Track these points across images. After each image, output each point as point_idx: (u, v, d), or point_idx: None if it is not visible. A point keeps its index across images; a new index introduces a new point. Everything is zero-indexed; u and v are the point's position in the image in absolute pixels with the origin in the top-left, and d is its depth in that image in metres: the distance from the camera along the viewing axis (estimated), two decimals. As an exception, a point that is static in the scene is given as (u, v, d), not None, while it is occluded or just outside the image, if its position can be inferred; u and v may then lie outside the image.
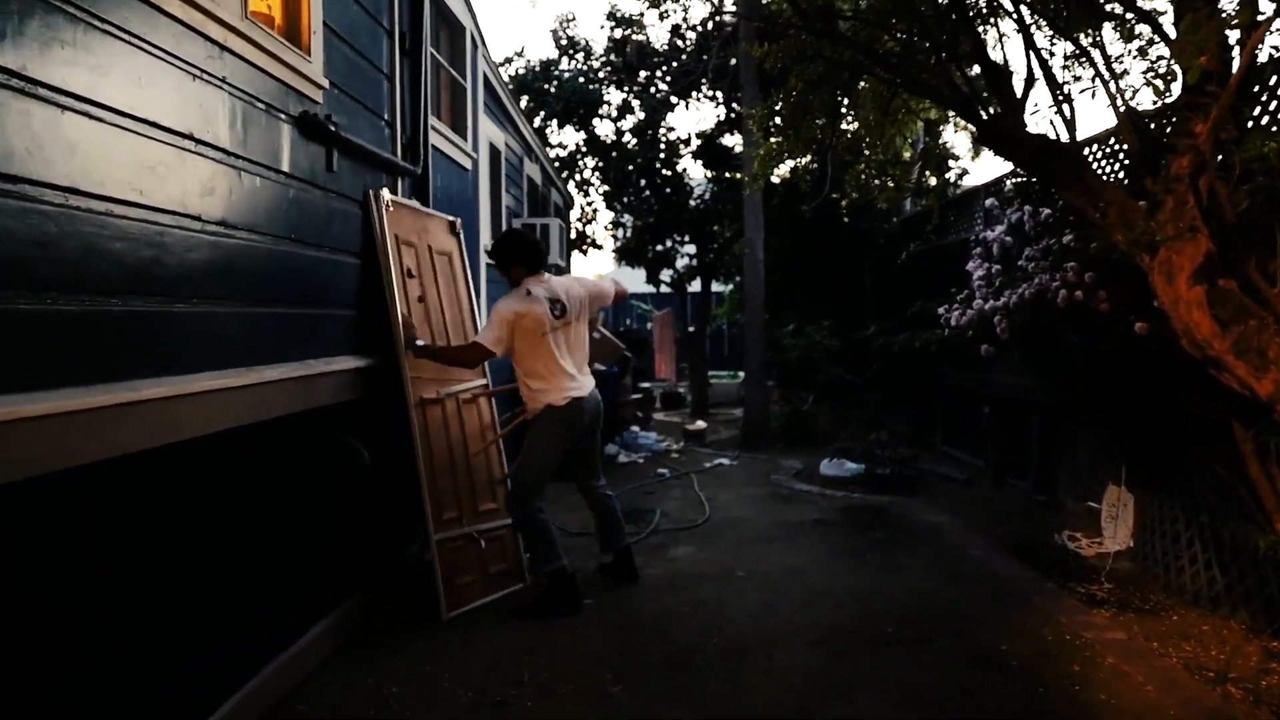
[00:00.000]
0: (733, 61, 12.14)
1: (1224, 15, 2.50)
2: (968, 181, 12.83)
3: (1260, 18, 2.32)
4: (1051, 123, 3.12)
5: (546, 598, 4.15)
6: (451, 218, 4.82)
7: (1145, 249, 2.72)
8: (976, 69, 3.85)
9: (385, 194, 4.08)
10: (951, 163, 13.62)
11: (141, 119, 2.36)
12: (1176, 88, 3.42)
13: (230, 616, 2.86)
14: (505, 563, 4.53)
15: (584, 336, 4.36)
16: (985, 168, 33.34)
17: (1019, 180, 6.47)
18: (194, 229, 2.64)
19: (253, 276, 3.02)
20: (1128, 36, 4.21)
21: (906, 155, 6.38)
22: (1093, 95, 3.80)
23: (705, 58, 12.83)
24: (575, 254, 15.06)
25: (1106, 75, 2.98)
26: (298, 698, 3.17)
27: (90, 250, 2.17)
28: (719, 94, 13.09)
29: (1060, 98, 3.07)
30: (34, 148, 1.97)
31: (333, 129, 3.61)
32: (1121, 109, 2.99)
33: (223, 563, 2.82)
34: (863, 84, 4.17)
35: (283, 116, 3.27)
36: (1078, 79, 3.40)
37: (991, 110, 3.23)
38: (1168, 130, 3.87)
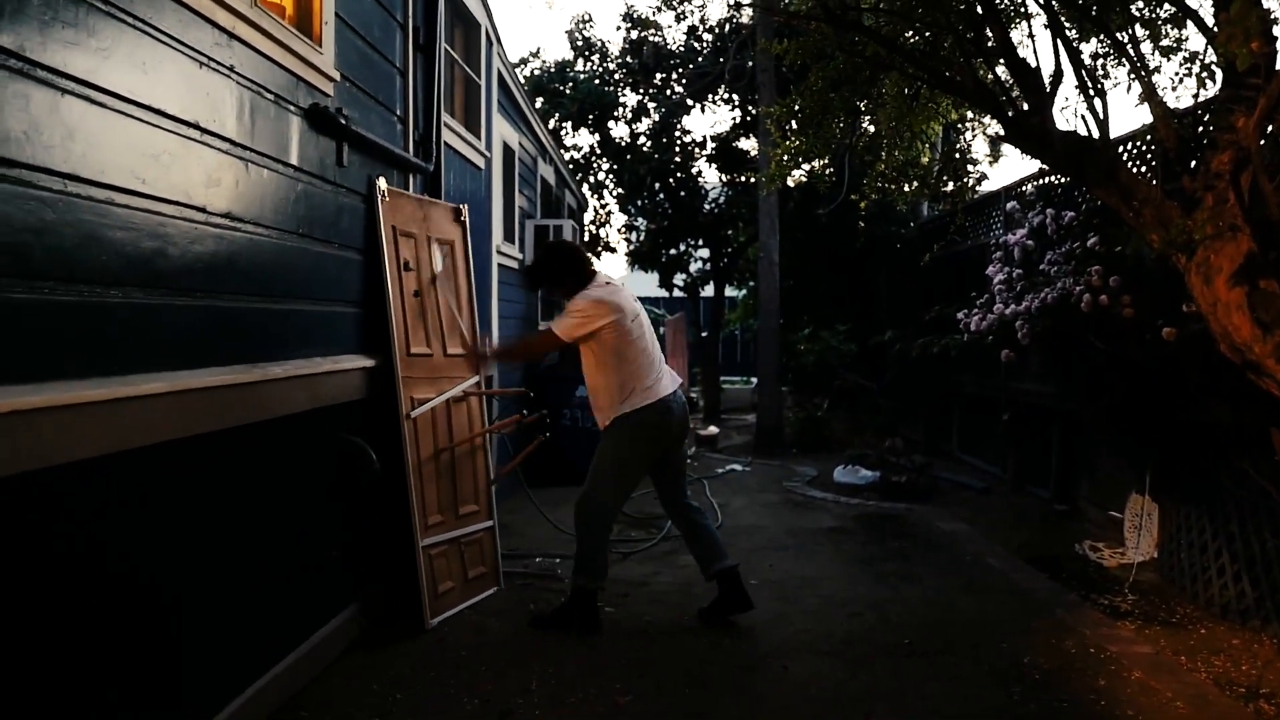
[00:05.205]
0: (749, 64, 12.06)
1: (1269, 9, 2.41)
2: (984, 187, 12.70)
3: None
4: (1083, 118, 3.01)
5: (566, 610, 3.92)
6: (455, 205, 4.70)
7: (1182, 249, 2.60)
8: (1000, 69, 3.77)
9: (381, 183, 3.97)
10: (970, 167, 13.51)
11: (145, 105, 2.30)
12: (1208, 87, 3.33)
13: (237, 616, 2.78)
14: (483, 566, 4.46)
15: (653, 333, 4.05)
16: (1003, 172, 33.18)
17: (1041, 183, 6.37)
18: (198, 220, 2.57)
19: (259, 271, 2.96)
20: (1155, 36, 4.11)
21: (925, 160, 6.27)
22: (1128, 89, 3.73)
23: (722, 60, 12.75)
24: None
25: (1141, 70, 2.88)
26: (302, 702, 3.10)
27: (89, 239, 2.10)
28: (735, 96, 13.00)
29: (1092, 93, 2.97)
30: (32, 131, 1.91)
31: (343, 122, 3.54)
32: (1157, 107, 2.88)
33: (228, 559, 2.74)
34: (885, 81, 4.07)
35: (292, 108, 3.20)
36: (1106, 76, 3.30)
37: (1020, 107, 3.12)
38: (1205, 127, 3.76)
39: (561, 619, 3.92)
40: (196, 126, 2.55)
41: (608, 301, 3.79)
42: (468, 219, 4.73)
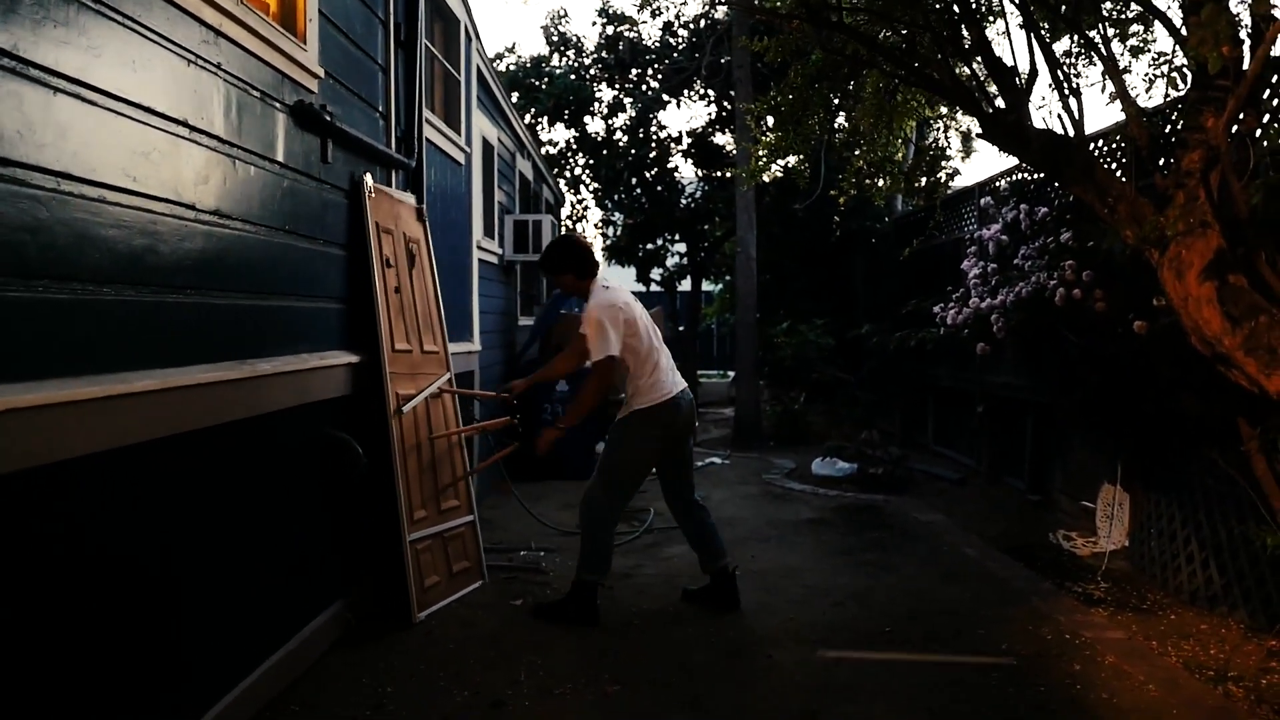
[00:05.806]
0: (725, 60, 12.11)
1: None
2: (957, 182, 12.84)
3: (1277, 11, 2.31)
4: (1059, 117, 3.09)
5: (569, 603, 3.98)
6: (419, 204, 4.72)
7: (1154, 245, 2.69)
8: (977, 66, 3.84)
9: (368, 179, 3.98)
10: (944, 162, 13.65)
11: (135, 103, 2.30)
12: (1179, 87, 3.42)
13: (228, 612, 2.79)
14: (466, 560, 4.49)
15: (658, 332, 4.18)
16: (975, 168, 33.53)
17: (1015, 179, 6.47)
18: (188, 218, 2.57)
19: (247, 267, 2.96)
20: (1124, 36, 4.21)
21: (900, 156, 6.34)
22: (1102, 89, 3.85)
23: (697, 56, 12.80)
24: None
25: (1113, 69, 2.96)
26: (292, 697, 3.11)
27: (82, 237, 2.10)
28: (711, 92, 13.06)
29: (1066, 92, 3.05)
30: (25, 130, 1.91)
31: (328, 119, 3.55)
32: (1129, 106, 2.96)
33: (219, 555, 2.75)
34: (864, 76, 4.13)
35: (278, 105, 3.20)
36: (1079, 75, 3.39)
37: (997, 105, 3.19)
38: (1175, 126, 3.86)
39: (561, 611, 3.98)
40: (185, 124, 2.56)
41: (615, 304, 3.90)
42: (427, 218, 4.75)
